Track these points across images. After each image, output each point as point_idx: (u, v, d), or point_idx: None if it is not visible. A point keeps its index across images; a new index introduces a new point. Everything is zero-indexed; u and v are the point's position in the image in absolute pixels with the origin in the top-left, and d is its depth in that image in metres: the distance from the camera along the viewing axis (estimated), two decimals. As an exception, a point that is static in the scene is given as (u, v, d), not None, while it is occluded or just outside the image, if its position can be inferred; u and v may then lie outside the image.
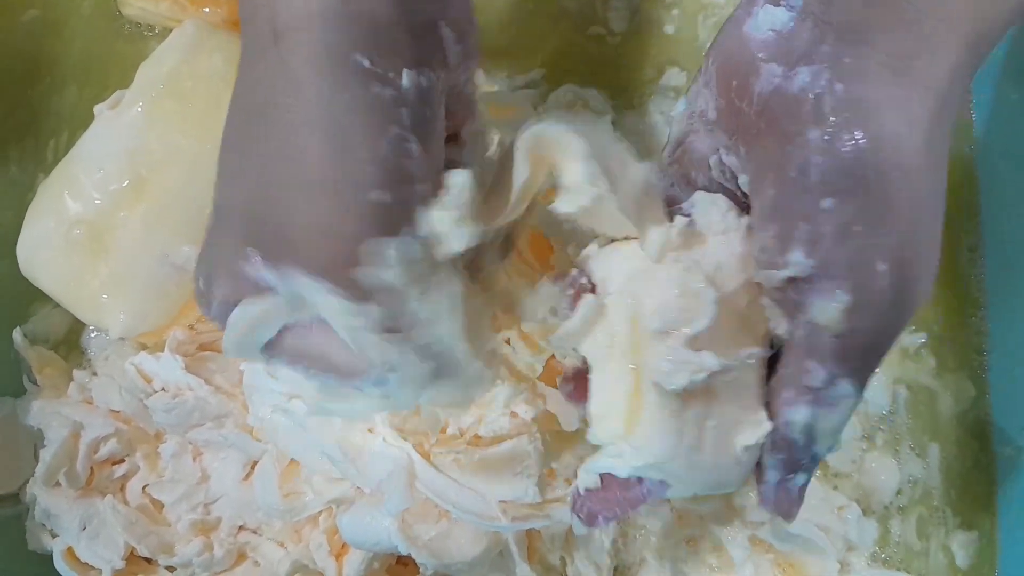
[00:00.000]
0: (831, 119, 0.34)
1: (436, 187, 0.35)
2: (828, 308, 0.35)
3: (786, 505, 0.40)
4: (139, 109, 0.58)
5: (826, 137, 0.34)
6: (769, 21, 0.36)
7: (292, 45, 0.34)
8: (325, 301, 0.33)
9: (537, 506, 0.54)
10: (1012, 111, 0.64)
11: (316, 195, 0.33)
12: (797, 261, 0.35)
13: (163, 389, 0.58)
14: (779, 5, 0.36)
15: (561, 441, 0.55)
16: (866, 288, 0.34)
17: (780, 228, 0.35)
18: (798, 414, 0.37)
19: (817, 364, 0.36)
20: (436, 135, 0.36)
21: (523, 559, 0.56)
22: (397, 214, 0.34)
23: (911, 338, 0.65)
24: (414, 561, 0.55)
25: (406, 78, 0.34)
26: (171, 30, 0.62)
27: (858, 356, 0.36)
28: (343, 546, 0.57)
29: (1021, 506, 0.62)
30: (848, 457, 0.63)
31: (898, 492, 0.63)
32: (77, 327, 0.64)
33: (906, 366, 0.64)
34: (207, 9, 0.63)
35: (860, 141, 0.33)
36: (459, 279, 0.37)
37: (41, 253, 0.59)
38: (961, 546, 0.63)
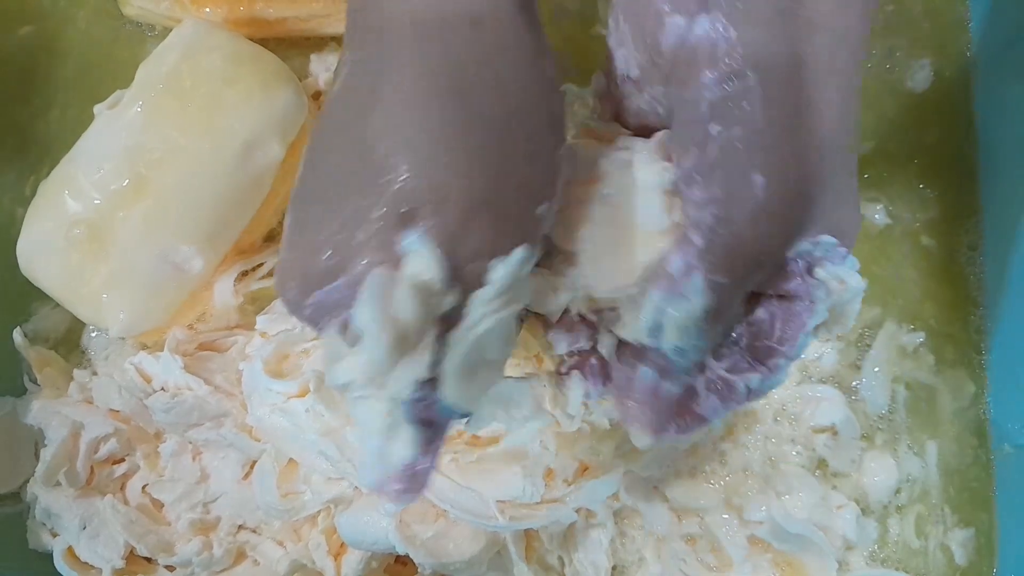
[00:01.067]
0: (724, 61, 0.35)
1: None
2: (701, 209, 0.36)
3: (645, 413, 0.39)
4: (139, 108, 0.58)
5: (716, 76, 0.35)
6: None
7: (495, 30, 0.35)
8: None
9: (535, 506, 0.54)
10: (1012, 109, 0.63)
11: (499, 178, 0.34)
12: (684, 166, 0.36)
13: (163, 389, 0.58)
14: None
15: (560, 441, 0.56)
16: (737, 196, 0.35)
17: (679, 153, 0.37)
18: (652, 296, 0.37)
19: (678, 255, 0.36)
20: None
21: (521, 559, 0.56)
22: (543, 231, 0.36)
23: (910, 336, 0.64)
24: (412, 561, 0.55)
25: (561, 99, 0.37)
26: (171, 30, 0.62)
27: (720, 255, 0.36)
28: (341, 546, 0.57)
29: (1020, 504, 0.62)
30: (848, 456, 0.62)
31: (897, 491, 0.63)
32: (77, 327, 0.65)
33: (905, 364, 0.64)
34: (208, 9, 0.63)
35: (748, 80, 0.35)
36: None
37: (41, 253, 0.59)
38: (959, 544, 0.63)
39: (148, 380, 0.59)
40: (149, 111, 0.58)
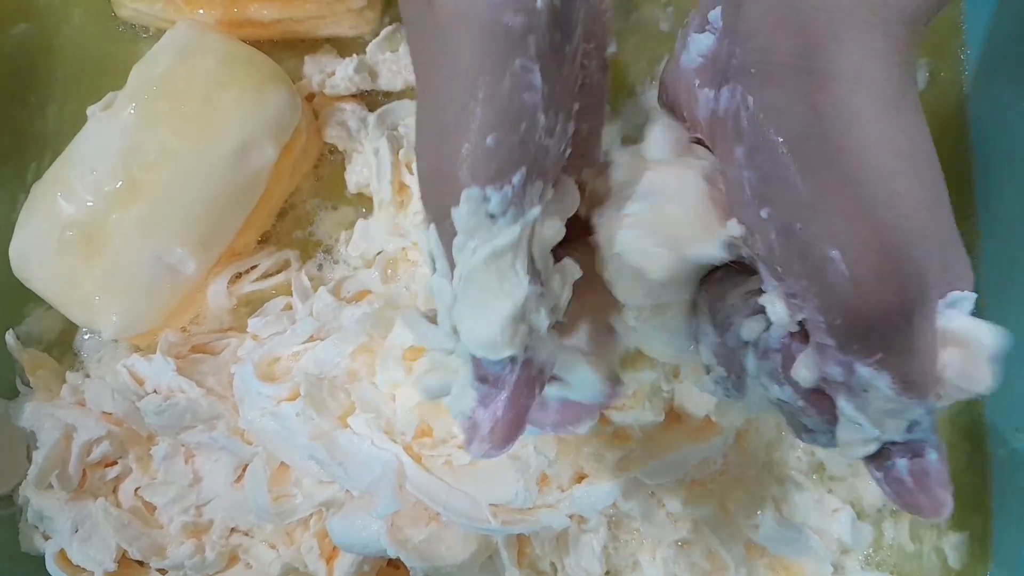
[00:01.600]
0: (748, 132, 0.34)
1: (564, 131, 0.35)
2: (806, 305, 0.34)
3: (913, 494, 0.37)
4: (132, 110, 0.58)
5: (747, 151, 0.34)
6: (698, 47, 0.37)
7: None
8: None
9: (528, 510, 0.54)
10: (1008, 112, 0.63)
11: (437, 140, 0.34)
12: (764, 277, 0.35)
13: (155, 391, 0.59)
14: (704, 31, 0.37)
15: (560, 447, 0.55)
16: (825, 280, 0.33)
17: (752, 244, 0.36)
18: (841, 404, 0.36)
19: (830, 362, 0.35)
20: (571, 57, 0.36)
21: (513, 563, 0.56)
22: (510, 158, 0.33)
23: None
24: (404, 564, 0.54)
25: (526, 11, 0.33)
26: (165, 32, 0.62)
27: (854, 341, 0.34)
28: (334, 549, 0.57)
29: (1013, 506, 0.62)
30: (844, 461, 0.62)
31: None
32: (70, 329, 0.64)
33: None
34: (201, 11, 0.62)
35: (778, 147, 0.33)
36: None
37: (33, 255, 0.59)
38: (953, 547, 0.63)
39: (140, 383, 0.59)
40: (142, 113, 0.58)
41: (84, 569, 0.58)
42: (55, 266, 0.58)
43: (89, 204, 0.57)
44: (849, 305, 0.33)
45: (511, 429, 0.36)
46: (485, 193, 0.33)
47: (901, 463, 0.37)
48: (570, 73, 0.35)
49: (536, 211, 0.34)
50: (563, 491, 0.55)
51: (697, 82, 0.37)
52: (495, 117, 0.33)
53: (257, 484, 0.56)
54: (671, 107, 0.40)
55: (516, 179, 0.33)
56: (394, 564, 0.59)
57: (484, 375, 0.36)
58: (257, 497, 0.56)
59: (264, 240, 0.64)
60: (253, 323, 0.60)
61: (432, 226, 0.35)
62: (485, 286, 0.34)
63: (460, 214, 0.33)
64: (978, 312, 0.63)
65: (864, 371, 0.34)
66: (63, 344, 0.65)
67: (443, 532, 0.54)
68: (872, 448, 0.37)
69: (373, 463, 0.54)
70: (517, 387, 0.36)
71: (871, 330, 0.33)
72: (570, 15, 0.34)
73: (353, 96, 0.65)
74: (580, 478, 0.57)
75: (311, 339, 0.58)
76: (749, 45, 0.34)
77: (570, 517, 0.56)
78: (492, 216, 0.33)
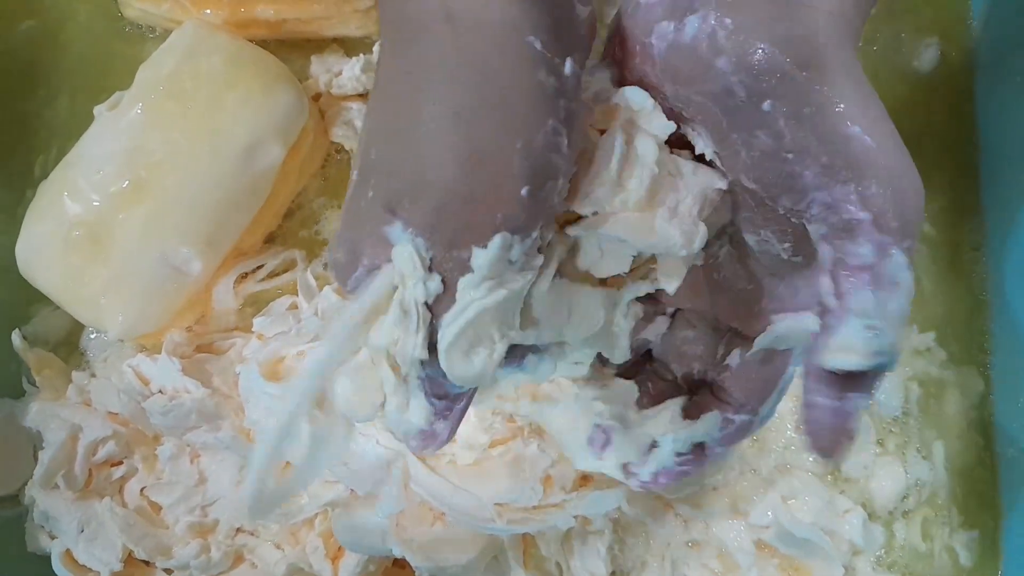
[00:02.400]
0: (731, 45, 0.34)
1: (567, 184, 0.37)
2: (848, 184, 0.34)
3: (839, 436, 0.38)
4: (139, 110, 0.58)
5: (735, 61, 0.35)
6: None
7: (470, 23, 0.35)
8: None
9: (533, 510, 0.53)
10: (1014, 108, 0.63)
11: (470, 169, 0.34)
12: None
13: (160, 391, 0.58)
14: None
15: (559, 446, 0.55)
16: (852, 150, 0.34)
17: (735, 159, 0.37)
18: (860, 299, 0.35)
19: (862, 238, 0.35)
20: (580, 130, 0.37)
21: (519, 564, 0.56)
22: (535, 212, 0.35)
23: (920, 338, 0.64)
24: (410, 564, 0.54)
25: (568, 66, 0.35)
26: (171, 32, 0.62)
27: (896, 216, 0.34)
28: (339, 549, 0.57)
29: (1023, 504, 0.62)
30: (861, 462, 0.62)
31: (904, 497, 0.62)
32: (77, 329, 0.64)
33: (917, 363, 0.64)
34: (208, 11, 0.62)
35: (770, 50, 0.34)
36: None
37: (40, 255, 0.59)
38: (964, 545, 0.62)
39: (146, 383, 0.59)
40: (149, 113, 0.58)
41: (90, 569, 0.58)
42: (61, 266, 0.58)
43: (95, 204, 0.57)
44: (897, 178, 0.34)
45: (455, 431, 0.39)
46: (512, 241, 0.34)
47: (862, 398, 0.37)
48: (578, 142, 0.37)
49: (540, 261, 0.36)
50: (567, 492, 0.55)
51: (652, 18, 0.37)
52: (530, 171, 0.34)
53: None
54: (622, 56, 0.39)
55: (535, 233, 0.35)
56: (399, 564, 0.59)
57: (443, 393, 0.37)
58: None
59: (270, 240, 0.64)
60: (258, 323, 0.60)
61: (418, 241, 0.34)
62: (485, 325, 0.35)
63: (485, 255, 0.34)
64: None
65: (898, 255, 0.34)
66: (69, 344, 0.65)
67: (448, 532, 0.54)
68: (875, 361, 0.36)
69: (379, 462, 0.54)
70: (471, 398, 0.39)
71: (912, 207, 0.35)
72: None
73: (360, 96, 0.65)
74: (585, 479, 0.57)
75: (316, 338, 0.58)
76: None
77: (575, 518, 0.56)
78: (511, 263, 0.35)
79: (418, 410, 0.37)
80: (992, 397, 0.64)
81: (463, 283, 0.34)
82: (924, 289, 0.64)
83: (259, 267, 0.62)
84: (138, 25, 0.67)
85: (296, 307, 0.61)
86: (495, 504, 0.53)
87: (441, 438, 0.38)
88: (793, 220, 0.37)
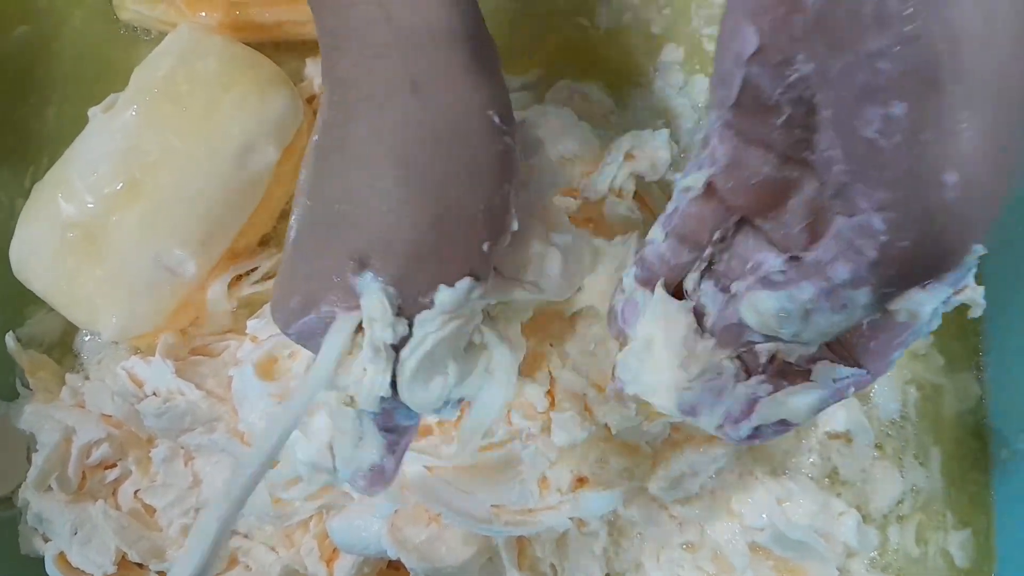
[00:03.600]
0: (898, 15, 0.30)
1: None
2: (868, 215, 0.32)
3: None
4: (133, 112, 0.58)
5: (897, 35, 0.30)
6: None
7: (437, 96, 0.39)
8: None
9: (530, 512, 0.53)
10: None
11: (439, 227, 0.38)
12: (828, 166, 0.33)
13: (154, 394, 0.58)
14: None
15: (563, 453, 0.55)
16: (919, 198, 0.31)
17: (816, 148, 0.34)
18: (802, 290, 0.34)
19: (845, 264, 0.33)
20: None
21: (514, 565, 0.56)
22: (491, 262, 0.40)
23: (919, 342, 0.64)
24: (404, 566, 0.54)
25: (511, 137, 0.40)
26: (166, 34, 0.62)
27: (895, 268, 0.32)
28: (334, 551, 0.57)
29: (1017, 505, 0.62)
30: (859, 465, 0.62)
31: (899, 502, 0.63)
32: (71, 330, 0.64)
33: (915, 367, 0.64)
34: (203, 13, 0.63)
35: (931, 46, 0.30)
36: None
37: (34, 255, 0.59)
38: (959, 547, 0.62)
39: (140, 385, 0.58)
40: (144, 115, 0.58)
41: (84, 572, 0.58)
42: (55, 267, 0.58)
43: (90, 205, 0.57)
44: (928, 233, 0.31)
45: (398, 468, 0.42)
46: (474, 286, 0.38)
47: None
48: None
49: (484, 303, 0.41)
50: (562, 494, 0.55)
51: None
52: (490, 228, 0.39)
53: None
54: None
55: (489, 281, 0.40)
56: (394, 566, 0.58)
57: (393, 425, 0.40)
58: (256, 499, 0.55)
59: (264, 242, 0.64)
60: (252, 325, 0.59)
61: (389, 290, 0.37)
62: (441, 355, 0.39)
63: (451, 294, 0.38)
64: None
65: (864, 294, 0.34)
66: (63, 346, 0.65)
67: (443, 533, 0.54)
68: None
69: None
70: (413, 434, 0.42)
71: (927, 268, 0.33)
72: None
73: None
74: (581, 481, 0.57)
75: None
76: None
77: (570, 519, 0.56)
78: (468, 303, 0.39)
79: (372, 443, 0.40)
80: (986, 400, 0.64)
81: (420, 319, 0.38)
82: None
83: (253, 269, 0.62)
84: (133, 28, 0.67)
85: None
86: (492, 505, 0.53)
87: (388, 474, 0.41)
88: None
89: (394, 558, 0.53)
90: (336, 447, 0.41)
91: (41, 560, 0.59)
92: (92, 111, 0.60)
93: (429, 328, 0.38)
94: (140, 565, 0.59)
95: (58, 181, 0.59)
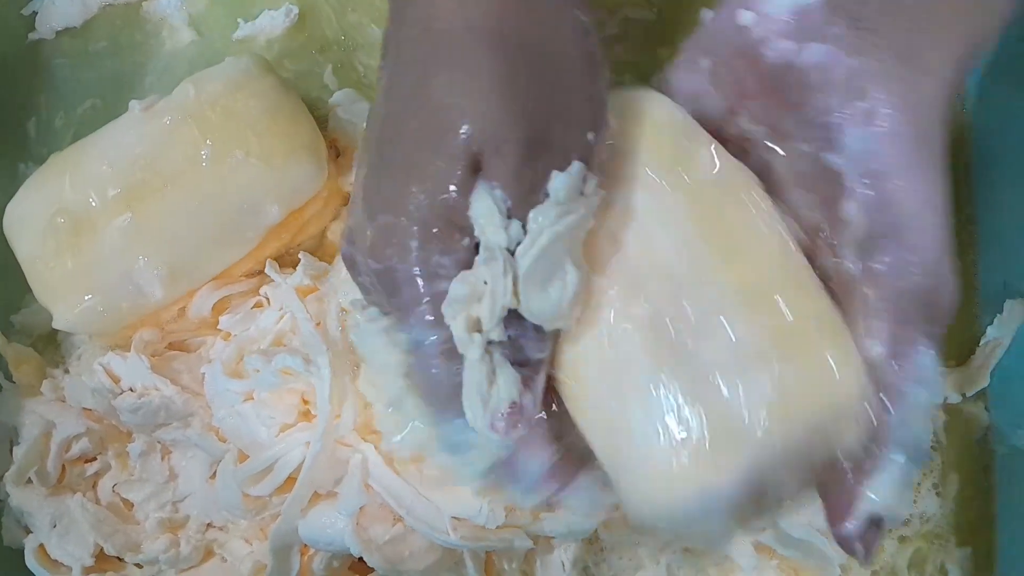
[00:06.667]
0: (841, 85, 0.38)
1: None
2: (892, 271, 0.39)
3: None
4: (166, 122, 0.58)
5: (835, 102, 0.38)
6: (789, 5, 0.40)
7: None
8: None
9: (492, 530, 0.52)
10: (1007, 112, 0.62)
11: (547, 121, 0.38)
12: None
13: (131, 389, 0.58)
14: None
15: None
16: (923, 239, 0.38)
17: (815, 191, 0.40)
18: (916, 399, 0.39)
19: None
20: None
21: (479, 574, 0.55)
22: (593, 153, 0.39)
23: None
24: (371, 563, 0.54)
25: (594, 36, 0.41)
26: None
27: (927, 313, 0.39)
28: (305, 548, 0.56)
29: (1019, 523, 0.61)
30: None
31: (905, 522, 0.62)
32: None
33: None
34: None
35: (872, 101, 0.38)
36: None
37: (23, 223, 0.59)
38: (956, 563, 0.62)
39: (116, 380, 0.58)
40: (172, 130, 0.57)
41: (63, 564, 0.58)
42: (36, 242, 0.58)
43: (87, 196, 0.57)
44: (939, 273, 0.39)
45: (539, 404, 0.39)
46: (586, 172, 0.38)
47: None
48: None
49: (598, 199, 0.39)
50: (534, 516, 0.54)
51: (773, 31, 0.40)
52: (594, 121, 0.39)
53: (227, 481, 0.55)
54: (717, 64, 0.43)
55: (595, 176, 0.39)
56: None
57: (524, 359, 0.39)
58: (228, 493, 0.55)
59: (250, 275, 0.62)
60: (224, 320, 0.59)
61: (496, 193, 0.37)
62: (557, 255, 0.37)
63: (564, 180, 0.37)
64: (978, 313, 0.63)
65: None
66: (50, 339, 0.65)
67: (408, 535, 0.53)
68: None
69: (338, 460, 0.53)
70: (548, 364, 0.40)
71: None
72: None
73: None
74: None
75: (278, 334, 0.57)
76: (858, 24, 0.39)
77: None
78: (583, 195, 0.38)
79: (506, 379, 0.37)
80: (991, 420, 0.63)
81: (533, 213, 0.37)
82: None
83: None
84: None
85: (261, 306, 0.60)
86: (452, 517, 0.51)
87: (529, 411, 0.38)
88: None
89: (358, 555, 0.53)
90: (467, 394, 0.38)
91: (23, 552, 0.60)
92: (133, 103, 0.60)
93: (544, 222, 0.37)
94: (119, 558, 0.59)
95: (72, 162, 0.59)
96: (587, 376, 0.40)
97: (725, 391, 0.37)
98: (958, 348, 0.63)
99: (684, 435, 0.37)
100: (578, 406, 0.41)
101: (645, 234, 0.40)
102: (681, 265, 0.39)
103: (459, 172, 0.37)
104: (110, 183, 0.57)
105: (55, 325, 0.58)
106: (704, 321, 0.38)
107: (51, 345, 0.65)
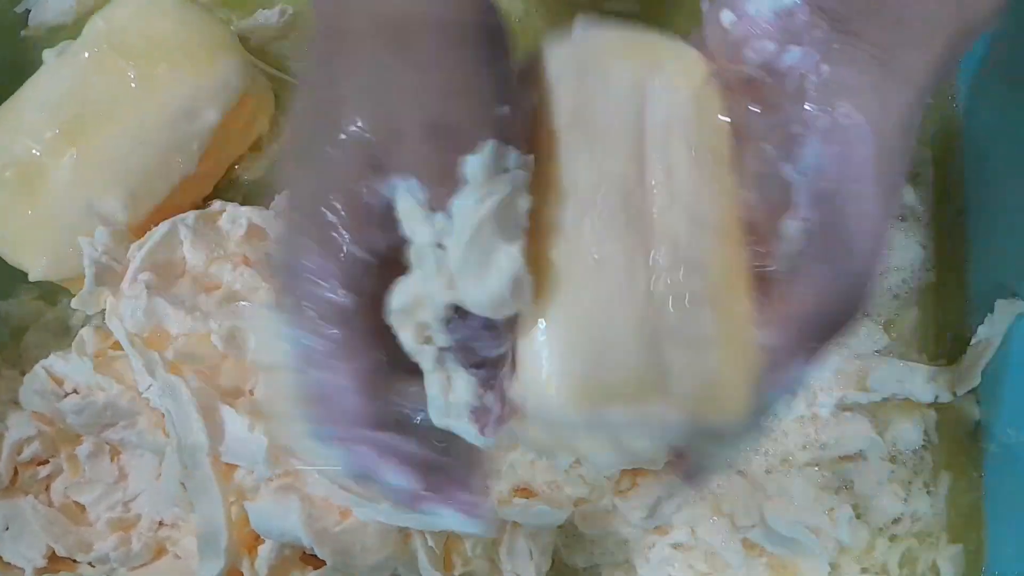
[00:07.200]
0: (813, 95, 0.38)
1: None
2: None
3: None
4: (84, 59, 0.60)
5: (806, 110, 0.38)
6: (771, 3, 0.39)
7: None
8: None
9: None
10: (999, 110, 0.62)
11: (447, 102, 0.36)
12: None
13: (75, 391, 0.58)
14: None
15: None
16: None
17: (763, 196, 0.39)
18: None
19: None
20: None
21: (433, 567, 0.54)
22: (510, 127, 0.36)
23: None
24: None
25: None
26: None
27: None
28: (256, 538, 0.55)
29: (1009, 520, 0.60)
30: (875, 478, 0.62)
31: (896, 520, 0.61)
32: (24, 324, 0.64)
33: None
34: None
35: (837, 117, 0.37)
36: None
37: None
38: (948, 559, 0.61)
39: (60, 382, 0.58)
40: (93, 64, 0.60)
41: (14, 566, 0.57)
42: (-8, 200, 0.59)
43: (30, 146, 0.59)
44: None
45: (504, 401, 0.37)
46: (504, 150, 0.35)
47: None
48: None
49: (527, 173, 0.36)
50: (500, 502, 0.53)
51: (756, 31, 0.39)
52: (505, 89, 0.37)
53: (172, 475, 0.55)
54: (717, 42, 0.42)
55: (518, 150, 0.36)
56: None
57: (480, 360, 0.36)
58: (171, 487, 0.55)
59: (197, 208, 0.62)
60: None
61: (411, 183, 0.35)
62: (489, 240, 0.35)
63: (479, 161, 0.34)
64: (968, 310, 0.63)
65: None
66: (15, 340, 0.64)
67: (361, 527, 0.52)
68: None
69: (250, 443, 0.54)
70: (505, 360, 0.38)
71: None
72: None
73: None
74: (523, 492, 0.56)
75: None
76: (838, 27, 0.38)
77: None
78: (506, 170, 0.35)
79: (462, 384, 0.36)
80: (982, 418, 0.62)
81: (455, 201, 0.35)
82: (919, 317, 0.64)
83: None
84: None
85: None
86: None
87: (495, 411, 0.37)
88: None
89: (308, 547, 0.52)
90: (430, 405, 0.36)
91: (-17, 553, 0.59)
92: (46, 53, 0.62)
93: (466, 208, 0.35)
94: (74, 560, 0.58)
95: (3, 119, 0.60)
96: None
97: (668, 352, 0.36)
98: (949, 347, 0.63)
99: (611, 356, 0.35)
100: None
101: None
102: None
103: (357, 166, 0.36)
104: (46, 127, 0.59)
105: (33, 277, 0.59)
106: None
107: (10, 346, 0.64)
